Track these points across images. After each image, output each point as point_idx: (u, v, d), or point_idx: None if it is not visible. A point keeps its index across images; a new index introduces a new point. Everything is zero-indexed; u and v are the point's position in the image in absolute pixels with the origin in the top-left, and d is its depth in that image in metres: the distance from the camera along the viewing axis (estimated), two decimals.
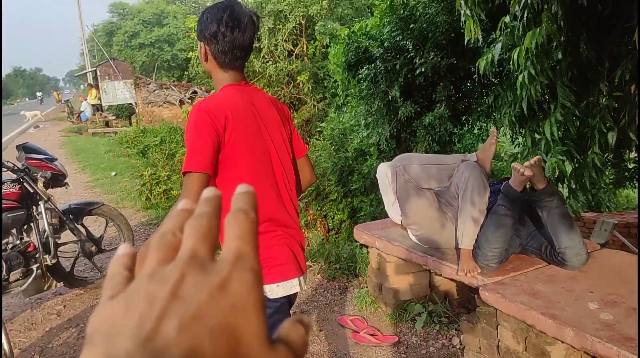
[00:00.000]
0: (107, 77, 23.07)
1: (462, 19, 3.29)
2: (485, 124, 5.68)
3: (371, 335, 2.92)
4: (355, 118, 6.71)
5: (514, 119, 3.40)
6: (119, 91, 22.69)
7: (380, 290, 3.18)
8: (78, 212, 3.79)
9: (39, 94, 65.86)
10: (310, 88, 10.00)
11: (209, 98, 1.62)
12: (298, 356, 0.27)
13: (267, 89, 10.21)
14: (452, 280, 2.72)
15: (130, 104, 20.67)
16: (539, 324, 1.99)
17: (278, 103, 1.84)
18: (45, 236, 3.54)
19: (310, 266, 4.06)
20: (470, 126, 5.70)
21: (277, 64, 9.78)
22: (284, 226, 1.66)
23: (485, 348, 2.37)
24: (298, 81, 9.96)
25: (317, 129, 9.59)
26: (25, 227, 3.54)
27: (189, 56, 32.93)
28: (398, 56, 5.40)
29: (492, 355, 2.32)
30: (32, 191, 3.50)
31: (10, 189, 3.43)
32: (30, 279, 3.31)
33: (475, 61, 5.20)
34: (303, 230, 6.91)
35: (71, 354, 2.92)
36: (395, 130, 6.05)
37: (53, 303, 3.69)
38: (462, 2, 3.20)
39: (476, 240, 2.46)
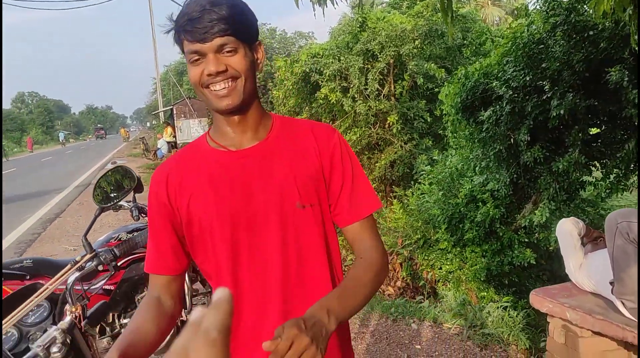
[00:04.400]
0: (182, 116, 23.83)
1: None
2: (622, 172, 5.14)
3: None
4: (464, 162, 6.30)
5: None
6: (193, 129, 23.36)
7: None
8: None
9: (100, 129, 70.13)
10: (399, 128, 9.72)
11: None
12: None
13: (355, 129, 10.02)
14: None
15: None
16: None
17: None
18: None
19: (451, 329, 3.64)
20: (606, 174, 5.17)
21: (367, 103, 9.58)
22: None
23: None
24: (387, 121, 9.70)
25: (405, 171, 9.26)
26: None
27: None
28: (527, 97, 5.00)
29: None
30: None
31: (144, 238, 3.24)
32: (168, 337, 3.06)
33: (615, 102, 4.77)
34: (407, 281, 6.43)
35: None
36: (515, 176, 5.60)
37: None
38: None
39: None
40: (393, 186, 9.52)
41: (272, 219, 1.14)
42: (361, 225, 1.19)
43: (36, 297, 1.71)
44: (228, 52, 1.10)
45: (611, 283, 2.41)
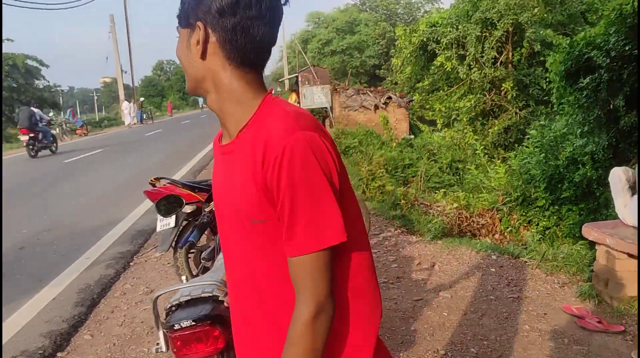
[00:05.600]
0: (306, 83, 25.26)
1: None
2: None
3: (597, 322, 3.19)
4: (568, 126, 6.71)
5: None
6: (316, 95, 24.69)
7: (606, 285, 3.41)
8: None
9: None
10: (514, 95, 10.05)
11: (304, 119, 0.99)
12: None
13: (469, 96, 10.51)
14: None
15: (325, 108, 22.34)
16: None
17: None
18: None
19: (527, 262, 4.39)
20: None
21: (482, 70, 10.02)
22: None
23: None
24: (502, 88, 10.07)
25: (521, 136, 9.61)
26: None
27: (377, 63, 34.12)
28: (625, 66, 5.36)
29: None
30: None
31: None
32: None
33: None
34: (506, 234, 7.09)
35: None
36: (613, 140, 5.97)
37: None
38: None
39: None
40: (504, 150, 9.93)
41: (232, 227, 1.07)
42: (293, 263, 0.97)
43: None
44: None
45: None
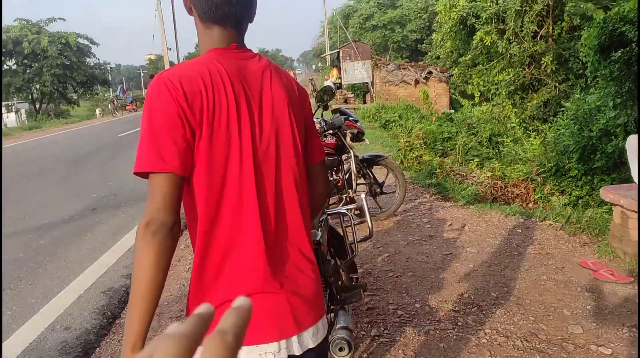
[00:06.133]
0: (348, 58, 25.44)
1: None
2: None
3: (610, 274, 3.56)
4: (602, 99, 6.90)
5: None
6: (357, 71, 24.86)
7: (620, 242, 3.76)
8: (370, 161, 5.09)
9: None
10: (553, 69, 10.13)
11: (175, 66, 1.16)
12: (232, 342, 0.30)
13: (509, 70, 10.64)
14: None
15: (366, 83, 22.54)
16: None
17: (292, 81, 1.30)
18: (348, 176, 4.89)
19: (552, 224, 4.74)
20: None
21: (522, 44, 10.14)
22: (263, 285, 1.15)
23: None
24: (542, 62, 10.17)
25: (559, 109, 9.73)
26: (335, 169, 4.94)
27: (419, 38, 33.75)
28: None
29: None
30: (341, 143, 4.85)
31: (330, 140, 4.82)
32: (341, 204, 4.69)
33: None
34: (539, 203, 7.38)
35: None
36: None
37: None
38: None
39: None
40: (542, 123, 10.07)
41: None
42: None
43: None
44: None
45: None
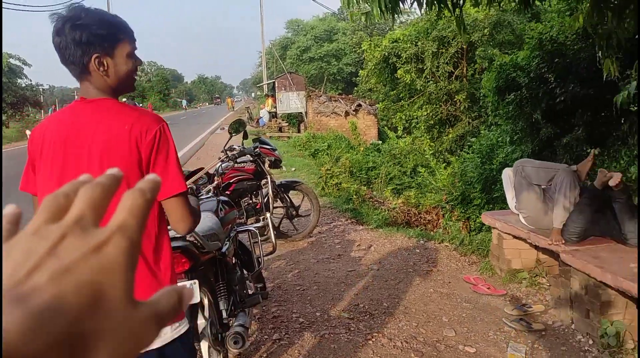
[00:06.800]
0: (283, 89, 26.09)
1: (600, 59, 4.27)
2: (622, 149, 6.34)
3: (487, 288, 4.09)
4: (501, 136, 7.69)
5: None
6: (292, 101, 25.49)
7: (498, 260, 4.32)
8: (287, 186, 5.48)
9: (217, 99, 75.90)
10: (467, 106, 11.05)
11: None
12: (163, 318, 0.30)
13: (427, 106, 11.47)
14: (545, 249, 3.79)
15: (300, 113, 23.16)
16: (593, 274, 3.05)
17: (128, 125, 1.41)
18: (267, 200, 5.25)
19: (447, 246, 5.29)
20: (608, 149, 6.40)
21: (438, 83, 11.01)
22: None
23: (564, 295, 3.43)
24: (455, 99, 11.07)
25: (468, 144, 10.57)
26: (254, 192, 5.28)
27: (354, 71, 35.01)
28: (541, 85, 6.35)
29: (567, 299, 3.38)
30: (260, 169, 5.22)
31: (248, 166, 5.18)
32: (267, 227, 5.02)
33: (615, 92, 5.99)
34: (446, 228, 7.93)
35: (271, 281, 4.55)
36: (537, 148, 6.95)
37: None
38: (603, 45, 4.19)
39: (565, 222, 3.53)
40: (451, 155, 10.86)
41: None
42: None
43: (203, 172, 3.69)
44: None
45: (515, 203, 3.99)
